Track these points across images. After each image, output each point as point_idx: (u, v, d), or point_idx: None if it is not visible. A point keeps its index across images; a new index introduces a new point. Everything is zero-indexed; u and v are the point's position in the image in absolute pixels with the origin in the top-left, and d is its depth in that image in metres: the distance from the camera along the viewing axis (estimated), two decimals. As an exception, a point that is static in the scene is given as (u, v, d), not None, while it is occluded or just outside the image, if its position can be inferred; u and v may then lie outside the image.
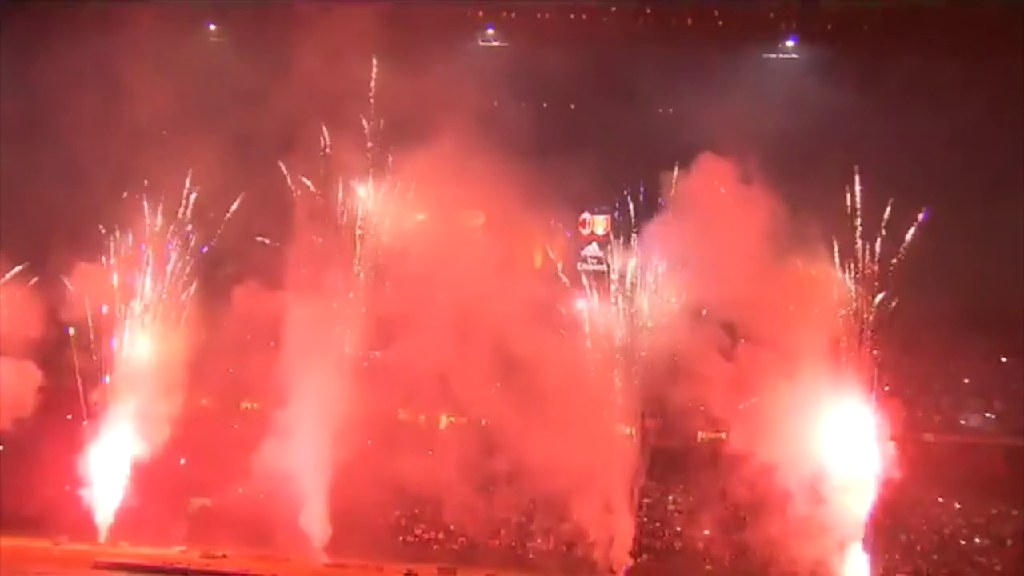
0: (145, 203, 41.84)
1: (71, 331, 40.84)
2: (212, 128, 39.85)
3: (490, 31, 47.82)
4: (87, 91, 40.06)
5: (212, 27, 47.37)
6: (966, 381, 46.20)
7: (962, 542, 41.48)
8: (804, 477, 37.27)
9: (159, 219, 41.85)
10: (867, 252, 39.89)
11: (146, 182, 41.80)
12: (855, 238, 39.93)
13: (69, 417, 41.33)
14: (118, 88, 39.97)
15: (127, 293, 41.19)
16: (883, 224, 39.96)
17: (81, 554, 36.56)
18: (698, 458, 42.24)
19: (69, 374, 41.01)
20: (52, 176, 41.44)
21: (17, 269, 41.24)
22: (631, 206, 42.14)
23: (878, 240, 39.76)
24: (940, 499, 43.10)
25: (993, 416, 45.27)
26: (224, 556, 37.34)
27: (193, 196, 42.06)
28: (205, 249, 42.54)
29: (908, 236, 39.62)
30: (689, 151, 39.92)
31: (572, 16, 45.37)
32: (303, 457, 38.49)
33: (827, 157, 41.77)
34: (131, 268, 41.35)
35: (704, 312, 39.64)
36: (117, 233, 41.49)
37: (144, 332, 41.22)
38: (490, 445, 40.71)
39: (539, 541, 41.80)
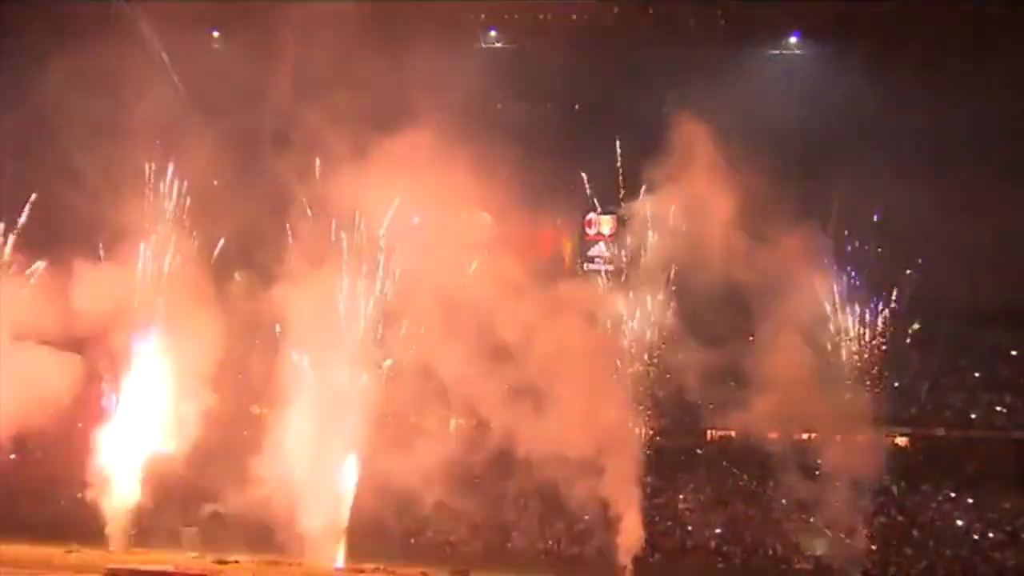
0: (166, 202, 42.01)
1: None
2: (221, 127, 40.14)
3: (492, 33, 47.99)
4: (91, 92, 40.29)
5: (216, 33, 47.67)
6: (977, 375, 46.14)
7: (975, 537, 41.32)
8: (811, 472, 37.34)
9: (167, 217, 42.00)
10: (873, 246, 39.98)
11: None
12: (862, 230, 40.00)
13: (80, 425, 41.42)
14: (117, 84, 40.24)
15: (139, 293, 41.28)
16: (891, 216, 40.00)
17: (93, 561, 36.58)
18: (709, 455, 42.27)
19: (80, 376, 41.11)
20: (71, 174, 41.47)
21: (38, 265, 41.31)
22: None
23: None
24: (952, 494, 43.00)
25: (1004, 410, 45.20)
26: (236, 562, 37.37)
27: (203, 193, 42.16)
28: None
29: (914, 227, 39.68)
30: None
31: (574, 16, 45.53)
32: (314, 461, 38.50)
33: (832, 150, 41.81)
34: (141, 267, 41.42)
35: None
36: (125, 231, 41.57)
37: (157, 334, 41.24)
38: (501, 447, 40.66)
39: (551, 542, 41.73)
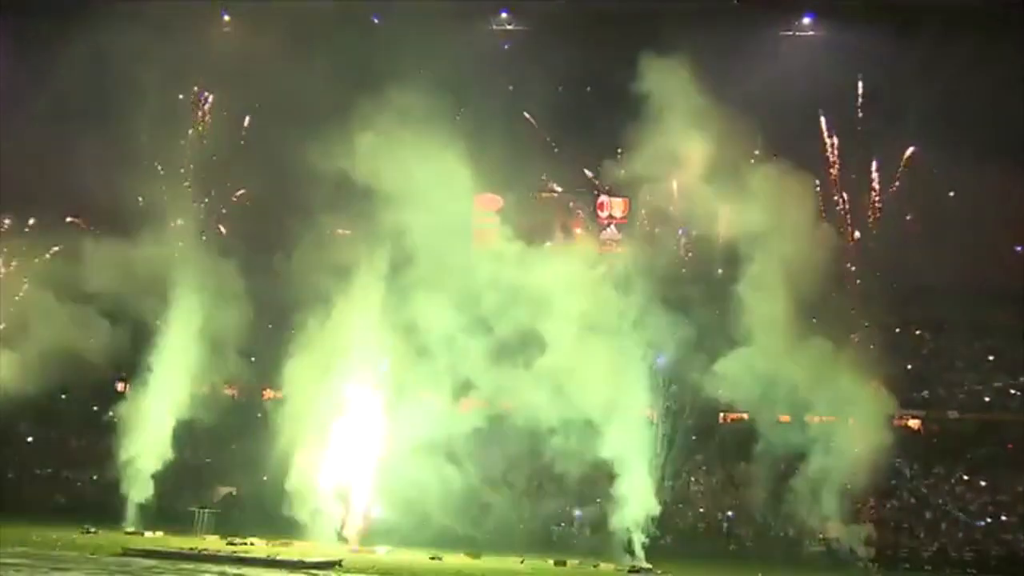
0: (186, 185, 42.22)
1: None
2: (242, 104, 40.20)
3: (503, 15, 47.96)
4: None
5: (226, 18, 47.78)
6: (991, 358, 45.95)
7: (988, 520, 41.26)
8: (824, 453, 37.28)
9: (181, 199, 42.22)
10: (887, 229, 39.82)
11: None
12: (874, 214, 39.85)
13: (95, 408, 41.75)
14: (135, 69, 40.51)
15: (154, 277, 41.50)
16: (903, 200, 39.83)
17: (109, 541, 36.90)
18: (720, 438, 42.26)
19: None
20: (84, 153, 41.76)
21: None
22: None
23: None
24: (965, 476, 42.92)
25: (1018, 393, 45.02)
26: (251, 543, 37.65)
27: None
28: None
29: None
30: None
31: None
32: (327, 445, 38.70)
33: (844, 134, 41.61)
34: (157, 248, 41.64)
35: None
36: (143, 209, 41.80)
37: (173, 318, 41.47)
38: (513, 431, 40.75)
39: (563, 525, 41.88)
